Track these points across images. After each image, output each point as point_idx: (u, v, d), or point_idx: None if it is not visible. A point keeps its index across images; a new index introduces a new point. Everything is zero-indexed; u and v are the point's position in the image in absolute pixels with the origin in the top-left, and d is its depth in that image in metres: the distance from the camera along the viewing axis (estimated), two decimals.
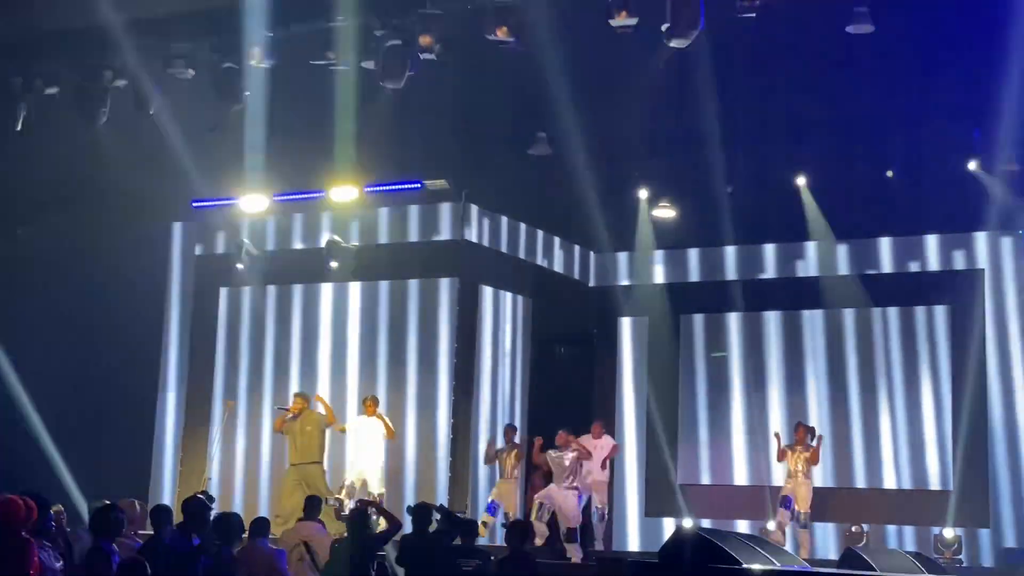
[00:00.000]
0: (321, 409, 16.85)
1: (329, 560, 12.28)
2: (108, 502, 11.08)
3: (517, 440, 17.17)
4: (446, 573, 11.87)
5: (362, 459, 16.54)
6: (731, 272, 19.91)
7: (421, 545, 12.33)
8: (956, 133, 15.70)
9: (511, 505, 16.97)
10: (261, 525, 12.28)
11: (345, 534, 12.86)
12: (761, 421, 19.25)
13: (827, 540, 18.10)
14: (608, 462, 17.12)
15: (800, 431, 16.42)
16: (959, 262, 18.48)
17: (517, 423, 18.63)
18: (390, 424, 16.64)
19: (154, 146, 15.95)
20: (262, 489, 18.65)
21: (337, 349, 18.88)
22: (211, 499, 13.93)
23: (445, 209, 18.34)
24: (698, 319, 20.28)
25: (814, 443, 16.31)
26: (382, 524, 12.51)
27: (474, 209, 18.41)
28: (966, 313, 18.11)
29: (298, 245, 19.40)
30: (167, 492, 18.81)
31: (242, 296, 19.57)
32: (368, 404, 16.72)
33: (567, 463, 15.97)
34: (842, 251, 19.10)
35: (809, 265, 19.45)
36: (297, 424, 16.46)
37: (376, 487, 16.35)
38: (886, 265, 18.88)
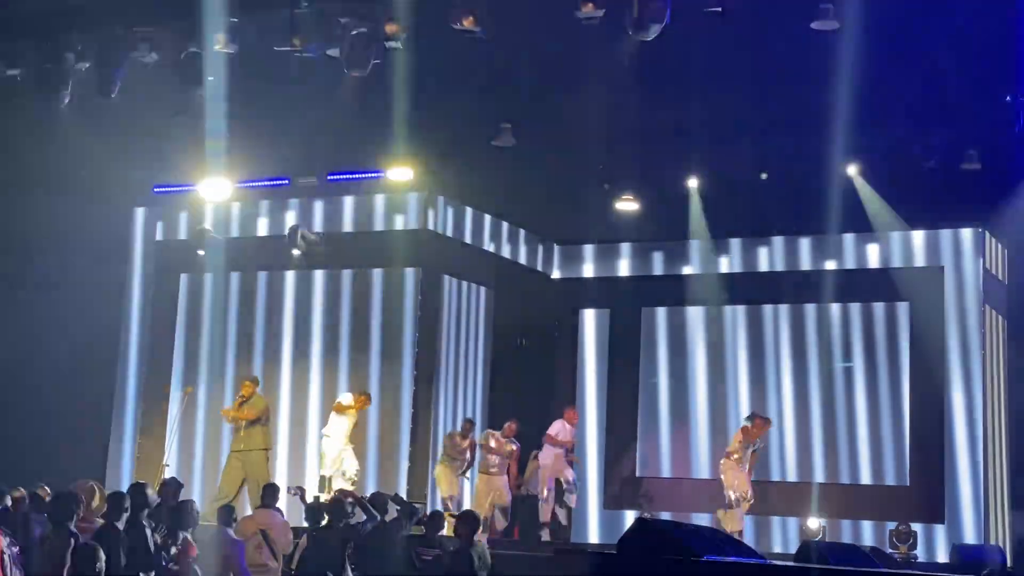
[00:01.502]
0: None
1: (308, 547, 12.28)
2: (15, 489, 11.08)
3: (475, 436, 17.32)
4: (403, 563, 11.90)
5: (343, 452, 16.54)
6: (694, 265, 19.96)
7: (378, 535, 12.36)
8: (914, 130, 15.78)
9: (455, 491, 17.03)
10: (227, 513, 12.28)
11: (305, 523, 12.93)
12: (722, 415, 19.33)
13: (787, 534, 18.19)
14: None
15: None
16: (920, 259, 18.60)
17: (477, 413, 18.69)
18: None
19: (116, 130, 15.84)
20: (211, 475, 18.57)
21: (299, 337, 18.83)
22: (180, 485, 13.91)
23: (409, 199, 18.31)
24: (660, 312, 20.33)
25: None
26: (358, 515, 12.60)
27: (438, 199, 18.40)
28: (926, 310, 18.23)
29: (261, 232, 19.31)
30: (125, 478, 18.70)
31: (203, 282, 19.47)
32: (361, 400, 16.67)
33: (505, 458, 16.66)
34: (804, 245, 19.20)
35: (767, 259, 19.53)
36: (244, 411, 16.50)
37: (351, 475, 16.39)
38: (849, 261, 18.96)
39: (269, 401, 17.41)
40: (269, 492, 13.41)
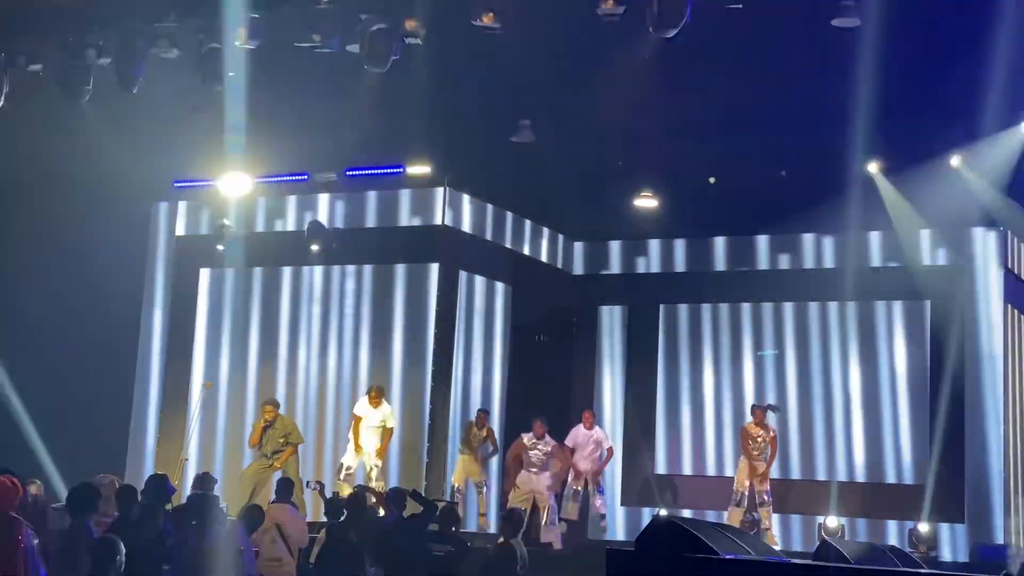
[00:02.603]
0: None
1: (327, 542, 12.31)
2: (32, 482, 11.08)
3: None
4: (418, 559, 11.93)
5: (367, 447, 16.51)
6: (714, 263, 19.92)
7: (394, 530, 12.40)
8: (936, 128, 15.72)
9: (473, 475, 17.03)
10: (252, 514, 12.24)
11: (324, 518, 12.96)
12: (740, 413, 19.29)
13: (809, 533, 18.13)
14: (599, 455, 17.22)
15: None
16: (942, 258, 18.52)
17: (495, 410, 18.69)
18: (390, 424, 16.60)
19: (137, 125, 15.88)
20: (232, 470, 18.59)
21: (318, 333, 18.86)
22: (213, 481, 13.95)
23: (427, 195, 18.32)
24: (679, 309, 20.30)
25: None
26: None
27: (456, 195, 18.40)
28: (948, 309, 18.14)
29: (280, 227, 19.34)
30: (145, 473, 18.75)
31: (223, 277, 19.51)
32: (372, 395, 16.63)
33: (542, 456, 16.29)
34: (825, 243, 19.14)
35: (788, 258, 19.49)
36: (268, 434, 16.25)
37: (376, 477, 16.32)
38: (870, 259, 18.90)
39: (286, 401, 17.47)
40: (283, 487, 13.42)
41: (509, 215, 19.61)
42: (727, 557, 7.79)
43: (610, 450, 17.60)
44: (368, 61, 13.84)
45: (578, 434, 17.11)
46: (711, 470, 19.56)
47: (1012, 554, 14.97)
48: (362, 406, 16.56)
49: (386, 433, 16.49)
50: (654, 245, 20.45)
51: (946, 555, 16.85)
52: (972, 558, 15.36)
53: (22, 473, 10.90)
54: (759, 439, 16.61)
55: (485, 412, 17.49)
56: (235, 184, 18.06)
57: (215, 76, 14.37)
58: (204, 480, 14.02)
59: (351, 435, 16.51)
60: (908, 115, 15.21)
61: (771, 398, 18.92)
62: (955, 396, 17.73)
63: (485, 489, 17.10)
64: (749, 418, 17.07)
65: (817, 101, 14.99)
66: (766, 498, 16.52)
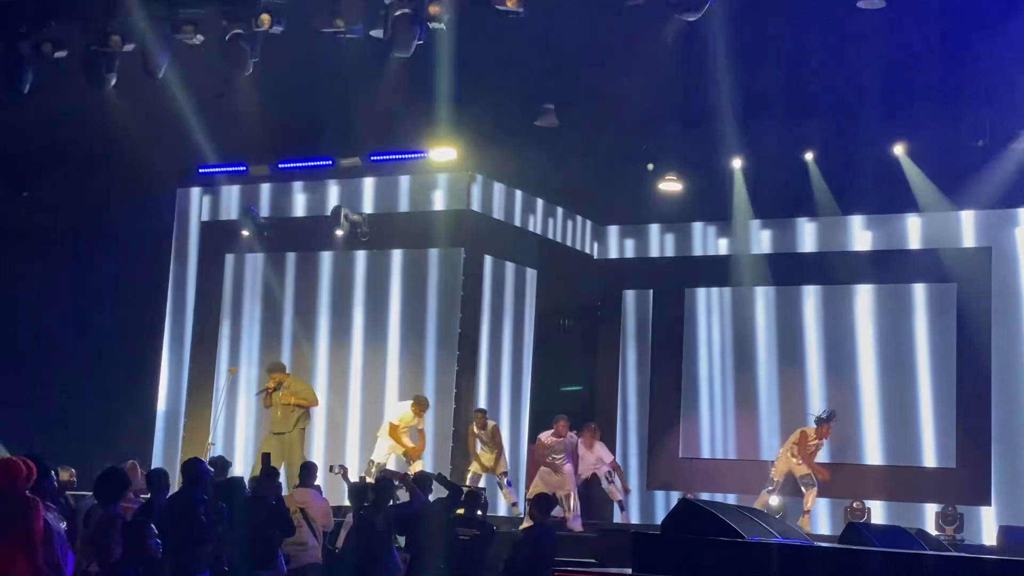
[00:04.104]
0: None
1: (354, 526, 12.38)
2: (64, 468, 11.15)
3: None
4: (444, 542, 11.99)
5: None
6: (737, 246, 19.87)
7: (421, 514, 12.46)
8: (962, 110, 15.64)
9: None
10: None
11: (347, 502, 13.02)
12: (760, 396, 19.30)
13: (836, 516, 18.09)
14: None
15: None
16: (968, 239, 18.45)
17: (523, 395, 18.74)
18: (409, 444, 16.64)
19: (162, 111, 15.92)
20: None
21: (341, 318, 18.92)
22: (227, 463, 14.04)
23: (452, 180, 18.33)
24: (702, 293, 20.27)
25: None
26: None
27: (481, 180, 18.42)
28: (973, 291, 18.09)
29: (304, 212, 19.40)
30: (175, 458, 18.86)
31: (248, 263, 19.58)
32: (415, 408, 16.65)
33: (562, 455, 16.30)
34: (850, 225, 19.07)
35: (815, 240, 19.44)
36: (277, 396, 16.51)
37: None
38: (895, 241, 18.84)
39: (310, 382, 17.56)
40: (306, 471, 13.47)
41: (534, 200, 19.60)
42: (752, 540, 7.81)
43: (614, 465, 17.29)
44: (392, 46, 13.83)
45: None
46: (735, 454, 19.54)
47: None
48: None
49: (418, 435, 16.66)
50: (677, 229, 20.41)
51: (973, 537, 16.80)
52: (999, 540, 15.31)
53: (54, 459, 10.97)
54: (812, 446, 16.54)
55: (483, 412, 17.38)
56: (260, 170, 18.15)
57: (240, 62, 14.37)
58: (219, 464, 14.02)
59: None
60: (934, 97, 15.13)
61: (797, 383, 18.92)
62: (982, 378, 17.68)
63: (507, 481, 17.06)
64: (811, 424, 16.91)
65: (842, 84, 14.94)
66: (810, 480, 16.44)
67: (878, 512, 17.62)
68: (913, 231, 18.75)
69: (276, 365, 17.13)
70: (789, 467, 16.62)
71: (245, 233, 18.95)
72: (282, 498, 12.17)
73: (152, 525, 8.74)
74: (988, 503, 17.43)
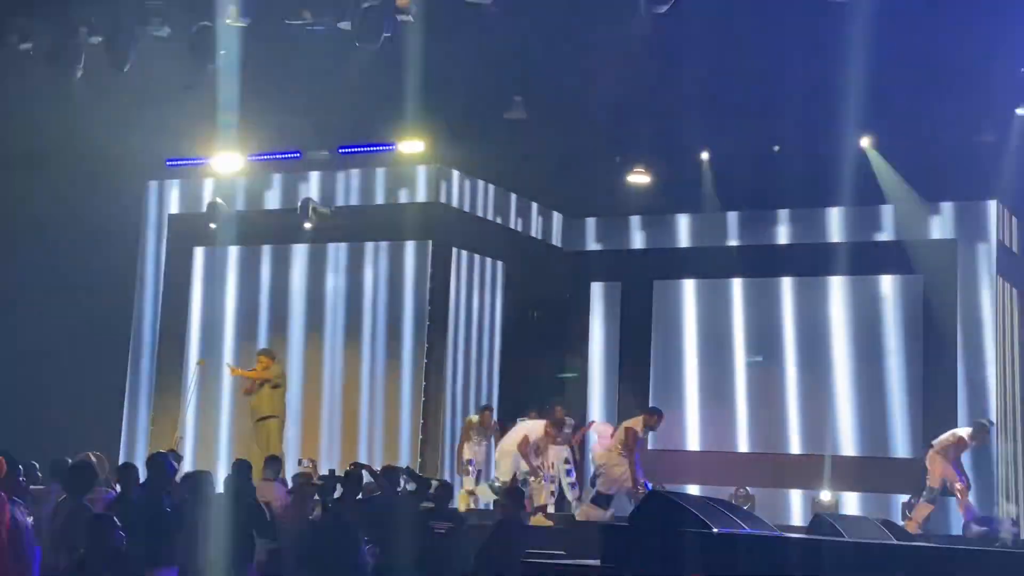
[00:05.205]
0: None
1: (322, 519, 12.36)
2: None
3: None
4: (418, 535, 11.97)
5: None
6: (705, 238, 19.92)
7: (390, 508, 12.44)
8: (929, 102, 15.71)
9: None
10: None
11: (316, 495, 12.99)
12: (730, 388, 19.37)
13: (800, 507, 18.19)
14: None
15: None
16: (935, 231, 18.56)
17: (491, 385, 18.76)
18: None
19: (129, 104, 15.84)
20: (233, 447, 18.65)
21: (311, 310, 18.91)
22: (179, 458, 13.99)
23: (421, 172, 18.32)
24: (671, 285, 20.31)
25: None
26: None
27: (450, 172, 18.41)
28: (940, 283, 18.19)
29: (273, 205, 19.36)
30: (140, 451, 18.81)
31: (217, 255, 19.53)
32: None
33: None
34: (817, 218, 19.14)
35: (780, 232, 19.50)
36: (256, 382, 16.56)
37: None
38: (862, 234, 18.93)
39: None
40: (270, 464, 13.44)
41: (502, 192, 19.60)
42: (722, 532, 7.84)
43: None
44: (360, 38, 13.80)
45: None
46: (704, 445, 19.60)
47: (1002, 522, 14.99)
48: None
49: None
50: (646, 221, 20.44)
51: (940, 527, 16.90)
52: (964, 530, 15.43)
53: (21, 454, 10.89)
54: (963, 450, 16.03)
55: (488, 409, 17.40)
56: (228, 162, 18.09)
57: (207, 54, 14.32)
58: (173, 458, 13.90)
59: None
60: (902, 90, 15.20)
61: (768, 374, 19.00)
62: (947, 369, 17.79)
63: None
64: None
65: (811, 75, 14.97)
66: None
67: (850, 503, 17.70)
68: (881, 223, 18.83)
69: (266, 351, 17.19)
70: (943, 471, 15.67)
71: (213, 225, 18.90)
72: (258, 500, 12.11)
73: (115, 518, 8.69)
74: (954, 494, 17.51)
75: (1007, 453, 17.56)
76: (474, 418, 17.04)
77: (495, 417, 17.18)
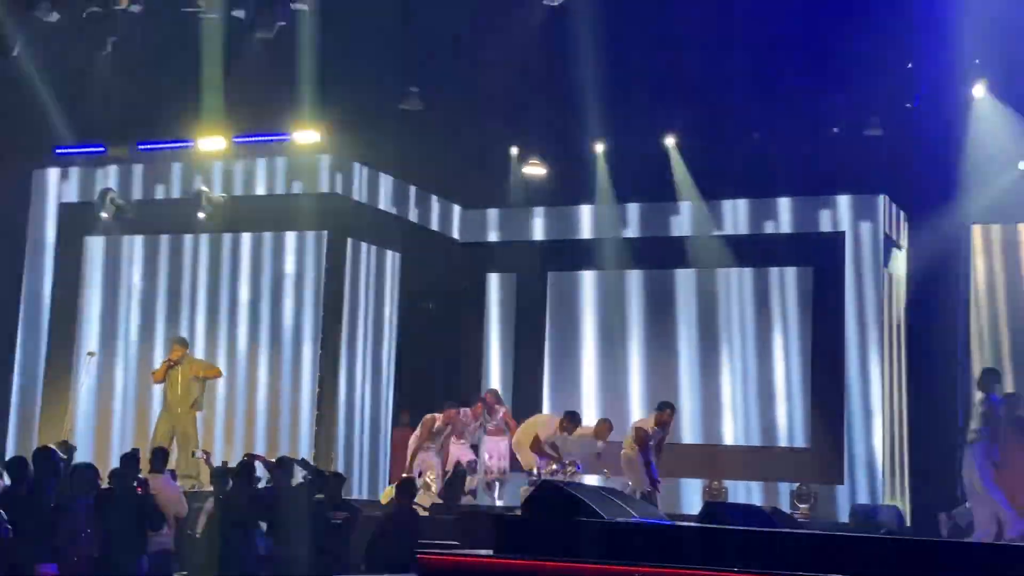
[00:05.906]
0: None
1: (215, 510, 12.26)
2: None
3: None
4: (314, 526, 11.95)
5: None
6: (600, 229, 20.03)
7: (284, 498, 12.40)
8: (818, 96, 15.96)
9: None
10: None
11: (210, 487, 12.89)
12: (624, 380, 19.52)
13: (691, 496, 18.39)
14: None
15: None
16: (824, 224, 18.83)
17: (388, 376, 18.76)
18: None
19: (16, 90, 15.56)
20: (126, 438, 18.40)
21: (207, 300, 18.74)
22: (71, 449, 13.78)
23: (316, 162, 18.22)
24: (566, 276, 20.40)
25: None
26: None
27: (346, 163, 18.32)
28: (828, 274, 18.47)
29: (166, 195, 19.12)
30: (29, 443, 18.48)
31: (108, 246, 19.26)
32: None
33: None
34: (712, 210, 19.33)
35: (676, 224, 19.67)
36: (177, 371, 16.33)
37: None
38: (750, 226, 19.14)
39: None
40: (157, 457, 13.29)
41: (399, 183, 19.54)
42: (612, 520, 7.92)
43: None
44: (254, 26, 13.70)
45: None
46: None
47: (943, 520, 15.13)
48: None
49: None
50: (542, 213, 20.51)
51: (826, 515, 17.21)
52: (852, 518, 15.74)
53: None
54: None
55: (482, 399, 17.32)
56: (121, 150, 17.85)
57: (97, 41, 14.13)
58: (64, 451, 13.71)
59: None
60: (791, 82, 15.43)
61: (663, 365, 19.16)
62: (835, 360, 18.09)
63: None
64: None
65: (704, 67, 15.13)
66: None
67: (738, 491, 17.94)
68: (774, 216, 19.06)
69: (180, 340, 16.93)
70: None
71: (104, 215, 18.62)
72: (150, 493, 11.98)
73: (1, 511, 8.58)
74: (841, 482, 17.85)
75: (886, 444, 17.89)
76: (437, 416, 16.50)
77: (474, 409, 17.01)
